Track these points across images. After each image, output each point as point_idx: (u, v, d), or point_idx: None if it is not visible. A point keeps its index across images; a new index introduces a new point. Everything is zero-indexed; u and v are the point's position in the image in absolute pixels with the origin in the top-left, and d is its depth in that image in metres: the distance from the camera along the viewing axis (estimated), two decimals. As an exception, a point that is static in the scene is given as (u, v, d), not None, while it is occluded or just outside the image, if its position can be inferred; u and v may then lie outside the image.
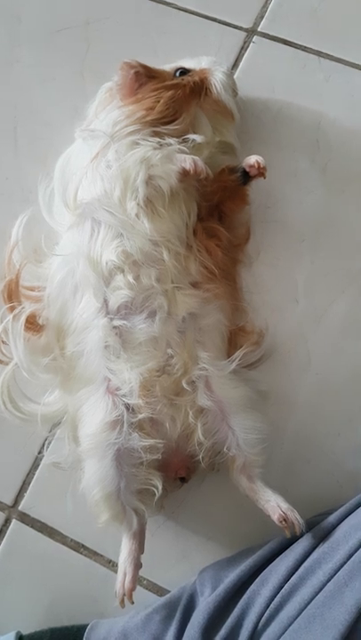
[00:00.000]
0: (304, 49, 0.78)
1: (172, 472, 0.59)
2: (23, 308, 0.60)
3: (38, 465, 0.65)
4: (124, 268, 0.57)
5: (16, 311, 0.60)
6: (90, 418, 0.56)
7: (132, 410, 0.55)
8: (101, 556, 0.62)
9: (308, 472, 0.64)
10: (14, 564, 0.63)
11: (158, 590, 0.61)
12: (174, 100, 0.63)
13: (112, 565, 0.62)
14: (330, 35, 0.78)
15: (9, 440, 0.65)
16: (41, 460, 0.65)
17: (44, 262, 0.63)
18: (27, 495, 0.64)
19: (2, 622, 0.60)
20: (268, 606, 0.49)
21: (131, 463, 0.54)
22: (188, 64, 0.68)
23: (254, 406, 0.59)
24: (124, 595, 0.53)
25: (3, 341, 0.60)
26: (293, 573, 0.51)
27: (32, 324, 0.60)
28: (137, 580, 0.54)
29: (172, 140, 0.61)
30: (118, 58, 0.65)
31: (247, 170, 0.63)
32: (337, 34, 0.78)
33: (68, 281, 0.59)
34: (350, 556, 0.48)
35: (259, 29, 0.79)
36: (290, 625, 0.47)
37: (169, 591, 0.59)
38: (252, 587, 0.52)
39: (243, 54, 0.78)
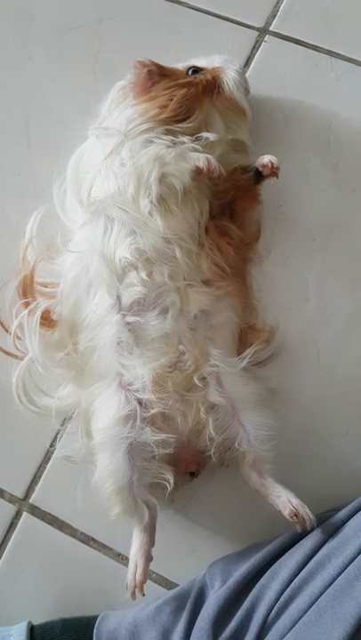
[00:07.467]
0: (316, 48, 0.78)
1: (183, 466, 0.59)
2: (38, 303, 0.61)
3: (49, 458, 0.65)
4: (137, 265, 0.58)
5: (31, 306, 0.60)
6: (103, 412, 0.56)
7: (145, 405, 0.56)
8: (111, 549, 0.63)
9: (316, 469, 0.64)
10: (25, 556, 0.64)
11: (167, 584, 0.62)
12: (187, 97, 0.63)
13: (121, 558, 0.63)
14: (342, 34, 0.78)
15: (21, 433, 0.66)
16: (52, 453, 0.65)
17: (57, 259, 0.64)
18: (38, 488, 0.65)
19: (13, 613, 0.61)
20: (278, 599, 0.50)
21: (143, 457, 0.55)
22: (200, 62, 0.69)
23: (264, 403, 0.59)
24: (136, 587, 0.54)
25: (17, 337, 0.61)
26: (303, 568, 0.51)
27: (46, 320, 0.61)
28: (148, 572, 0.55)
29: (185, 139, 0.61)
30: (130, 56, 0.66)
31: (260, 169, 0.64)
32: (349, 33, 0.78)
33: (82, 277, 0.59)
34: (361, 550, 0.49)
35: (271, 29, 0.79)
36: (300, 618, 0.47)
37: (177, 585, 0.60)
38: (262, 580, 0.52)
39: (254, 53, 0.78)
